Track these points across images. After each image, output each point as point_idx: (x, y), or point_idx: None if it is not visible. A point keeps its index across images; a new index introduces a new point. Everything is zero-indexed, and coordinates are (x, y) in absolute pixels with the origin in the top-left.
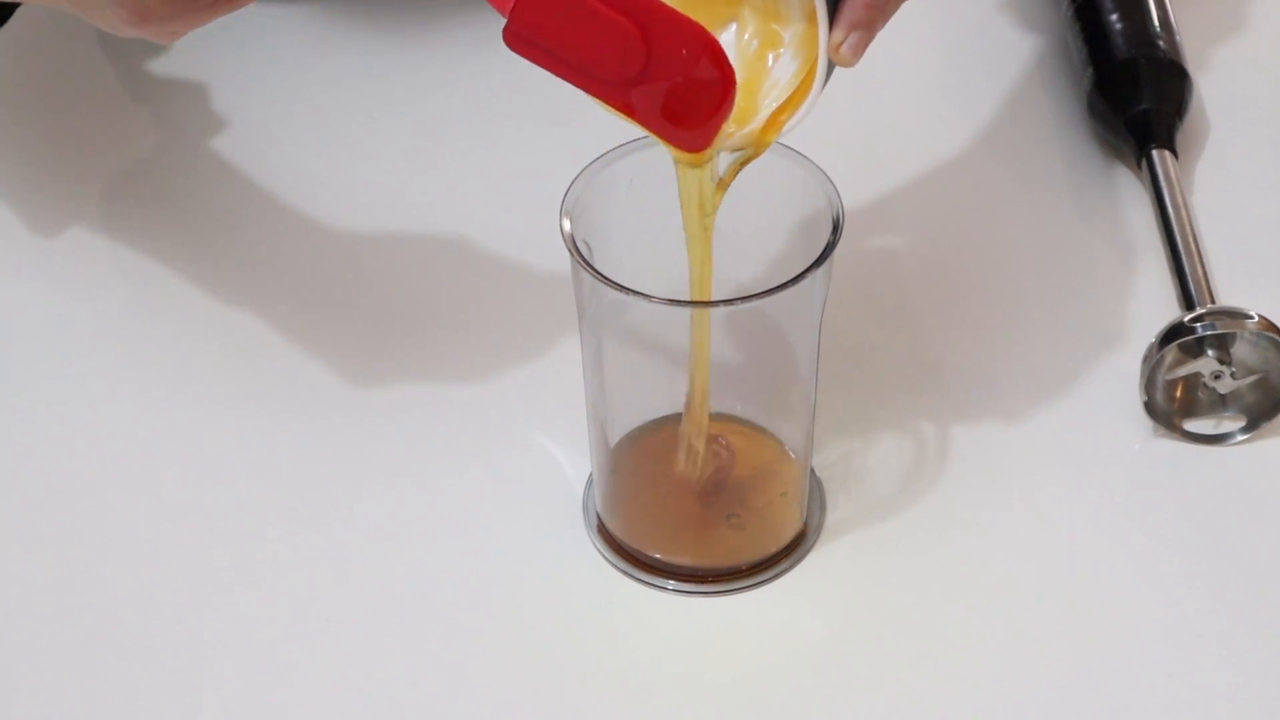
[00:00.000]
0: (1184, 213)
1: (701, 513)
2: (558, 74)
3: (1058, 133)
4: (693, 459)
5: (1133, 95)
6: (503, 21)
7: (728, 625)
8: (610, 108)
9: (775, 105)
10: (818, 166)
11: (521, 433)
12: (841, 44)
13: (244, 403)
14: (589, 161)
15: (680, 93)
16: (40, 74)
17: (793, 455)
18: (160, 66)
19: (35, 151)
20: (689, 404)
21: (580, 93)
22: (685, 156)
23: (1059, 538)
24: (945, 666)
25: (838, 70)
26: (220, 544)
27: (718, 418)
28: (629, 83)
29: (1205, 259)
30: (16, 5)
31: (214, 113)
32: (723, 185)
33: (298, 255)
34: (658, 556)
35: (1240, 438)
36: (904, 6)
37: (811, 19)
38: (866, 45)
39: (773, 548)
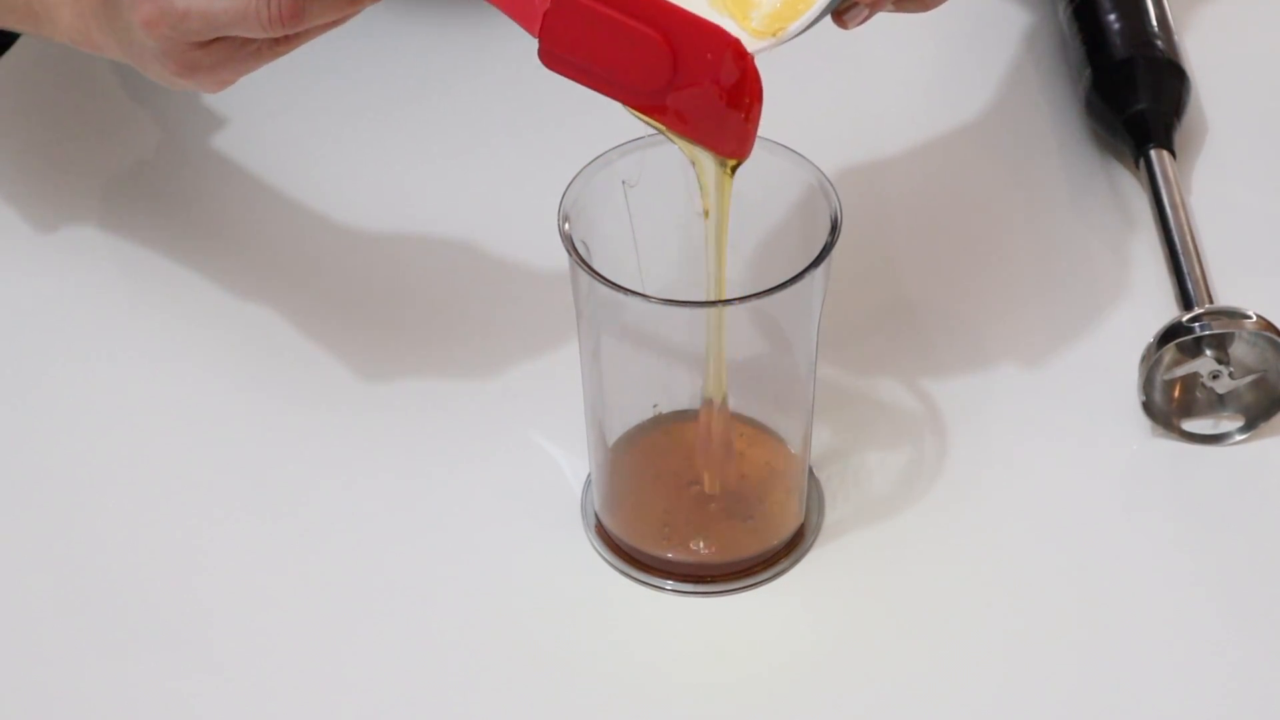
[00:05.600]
0: (1182, 212)
1: (700, 512)
2: (595, 88)
3: (1055, 132)
4: (713, 473)
5: (1131, 95)
6: (505, 26)
7: (726, 625)
8: (650, 119)
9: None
10: (816, 166)
11: (519, 433)
12: None
13: (242, 401)
14: (587, 162)
15: (712, 97)
16: (41, 74)
17: (793, 452)
18: None
19: (36, 151)
20: (705, 416)
21: (576, 93)
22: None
23: (1057, 537)
24: (944, 667)
25: (837, 72)
26: (217, 542)
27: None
28: (661, 91)
29: (1203, 259)
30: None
31: (214, 112)
32: (731, 169)
33: (297, 254)
34: (656, 556)
35: (1238, 437)
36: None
37: None
38: None
39: (774, 543)
